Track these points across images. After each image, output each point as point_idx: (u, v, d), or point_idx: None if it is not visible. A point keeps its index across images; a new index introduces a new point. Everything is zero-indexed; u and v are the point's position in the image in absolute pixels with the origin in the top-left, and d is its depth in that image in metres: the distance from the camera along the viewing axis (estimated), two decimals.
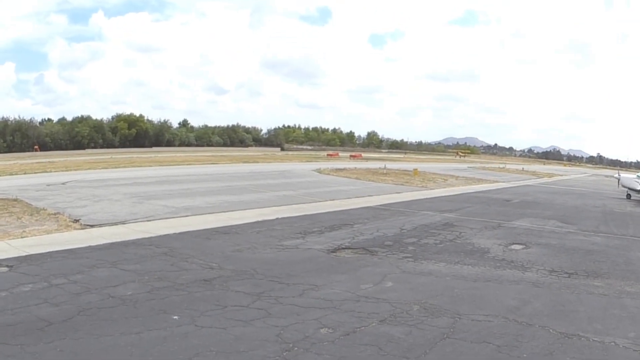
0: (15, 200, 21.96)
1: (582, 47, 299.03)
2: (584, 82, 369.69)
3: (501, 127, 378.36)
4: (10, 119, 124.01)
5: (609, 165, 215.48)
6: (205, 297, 9.59)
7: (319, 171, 50.05)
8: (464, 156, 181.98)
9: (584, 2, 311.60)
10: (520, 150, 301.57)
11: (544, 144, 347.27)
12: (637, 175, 44.00)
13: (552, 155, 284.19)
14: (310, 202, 25.31)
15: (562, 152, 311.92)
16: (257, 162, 67.71)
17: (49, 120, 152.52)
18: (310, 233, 16.94)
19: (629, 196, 41.58)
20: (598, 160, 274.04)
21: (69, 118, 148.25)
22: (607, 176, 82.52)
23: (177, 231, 16.28)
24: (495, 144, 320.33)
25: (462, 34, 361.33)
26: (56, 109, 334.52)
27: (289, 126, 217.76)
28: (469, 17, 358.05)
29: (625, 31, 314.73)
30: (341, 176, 45.27)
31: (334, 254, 14.12)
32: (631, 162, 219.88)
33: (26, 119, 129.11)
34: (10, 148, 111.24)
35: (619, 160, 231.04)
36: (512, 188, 46.58)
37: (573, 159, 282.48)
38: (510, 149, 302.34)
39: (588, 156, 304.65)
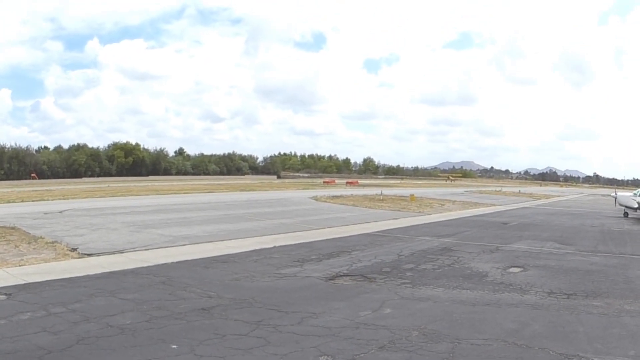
0: (12, 228, 22.00)
1: (578, 65, 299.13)
2: (579, 101, 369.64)
3: (497, 150, 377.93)
4: (7, 147, 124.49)
5: (606, 185, 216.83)
6: (204, 326, 9.57)
7: (316, 199, 50.02)
8: (455, 180, 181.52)
9: (579, 19, 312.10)
10: (517, 173, 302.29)
11: (540, 166, 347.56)
12: (634, 194, 44.21)
13: (548, 177, 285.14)
14: (307, 230, 25.33)
15: (559, 173, 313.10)
16: (254, 190, 67.74)
17: (46, 148, 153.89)
18: (308, 261, 16.93)
19: (626, 214, 41.76)
20: (595, 180, 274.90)
21: (66, 146, 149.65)
22: (604, 195, 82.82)
23: (175, 260, 16.29)
24: (492, 167, 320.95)
25: (456, 57, 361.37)
26: (52, 137, 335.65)
27: (285, 154, 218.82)
28: (464, 39, 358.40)
29: (621, 48, 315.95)
30: (338, 203, 45.25)
31: (332, 281, 14.10)
32: (628, 180, 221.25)
33: (23, 147, 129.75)
34: (8, 175, 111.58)
35: (616, 179, 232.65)
36: (509, 211, 46.66)
37: (570, 180, 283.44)
38: (507, 171, 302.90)
39: (585, 176, 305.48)
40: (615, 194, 47.93)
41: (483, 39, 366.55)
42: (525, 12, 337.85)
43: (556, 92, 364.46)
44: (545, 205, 59.92)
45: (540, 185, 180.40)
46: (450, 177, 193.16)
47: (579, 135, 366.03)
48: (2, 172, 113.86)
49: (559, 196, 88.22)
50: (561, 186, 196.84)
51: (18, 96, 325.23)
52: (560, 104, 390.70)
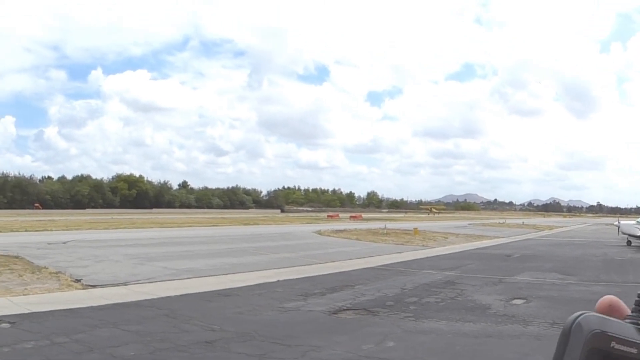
0: (16, 257, 22.13)
1: (581, 94, 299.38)
2: (582, 131, 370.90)
3: (500, 182, 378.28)
4: (10, 175, 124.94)
5: (609, 214, 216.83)
6: (206, 359, 9.58)
7: (320, 233, 50.00)
8: (438, 213, 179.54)
9: (580, 48, 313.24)
10: (520, 204, 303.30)
11: (543, 197, 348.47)
12: (637, 221, 44.10)
13: (552, 207, 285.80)
14: (311, 264, 25.28)
15: (562, 204, 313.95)
16: (258, 224, 67.68)
17: (49, 178, 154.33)
18: (312, 295, 16.90)
19: (629, 243, 41.62)
20: (598, 209, 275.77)
21: (69, 176, 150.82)
22: (607, 224, 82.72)
23: (179, 293, 16.29)
24: (495, 199, 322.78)
25: (459, 89, 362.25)
26: (56, 167, 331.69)
27: (288, 187, 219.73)
28: (466, 70, 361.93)
29: (623, 76, 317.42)
30: (341, 237, 45.18)
31: (336, 315, 14.08)
32: (631, 209, 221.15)
33: (26, 176, 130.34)
34: (10, 204, 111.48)
35: (619, 208, 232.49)
36: (513, 243, 46.54)
37: (573, 210, 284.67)
38: (510, 203, 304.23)
39: (588, 206, 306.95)
40: (618, 222, 47.96)
41: (485, 70, 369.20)
42: (526, 42, 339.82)
43: (558, 122, 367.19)
44: (548, 236, 59.97)
45: (544, 217, 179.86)
46: (433, 210, 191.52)
47: (581, 165, 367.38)
48: (5, 201, 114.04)
49: (562, 227, 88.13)
50: (565, 217, 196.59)
51: (21, 124, 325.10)
52: (563, 134, 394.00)
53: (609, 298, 1.08)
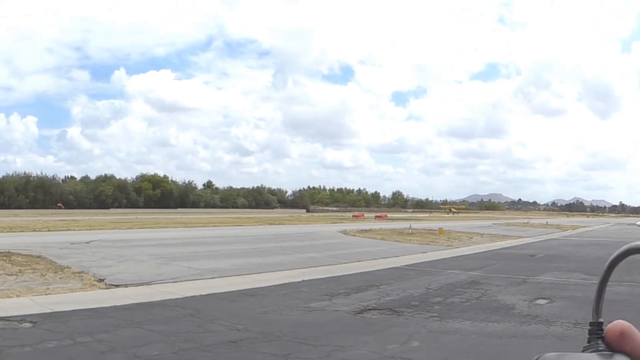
0: (39, 257, 22.14)
1: (603, 94, 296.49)
2: (605, 130, 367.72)
3: (524, 182, 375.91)
4: (33, 175, 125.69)
5: (632, 213, 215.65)
6: (232, 359, 9.49)
7: (345, 232, 49.83)
8: (457, 213, 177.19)
9: (602, 48, 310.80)
10: (544, 204, 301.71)
11: (567, 196, 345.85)
12: None
13: (575, 207, 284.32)
14: (336, 264, 25.15)
15: (585, 204, 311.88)
16: (283, 224, 67.65)
17: (72, 178, 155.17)
18: (337, 295, 16.75)
19: None
20: (620, 209, 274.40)
21: (92, 176, 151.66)
22: (629, 224, 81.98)
23: (203, 293, 16.24)
24: (519, 199, 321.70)
25: (483, 89, 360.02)
26: (79, 167, 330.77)
27: (314, 187, 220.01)
28: (490, 70, 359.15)
29: None
30: (367, 237, 44.95)
31: (361, 315, 13.93)
32: None
33: (48, 176, 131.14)
34: (33, 204, 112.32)
35: None
36: (536, 243, 46.11)
37: (596, 210, 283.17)
38: (534, 203, 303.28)
39: (611, 205, 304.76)
40: None
41: (509, 70, 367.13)
42: (549, 42, 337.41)
43: (582, 122, 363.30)
44: (571, 236, 59.49)
45: (567, 216, 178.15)
46: (452, 210, 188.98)
47: (604, 165, 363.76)
48: (27, 201, 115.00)
49: (585, 227, 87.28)
50: (588, 216, 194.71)
51: (44, 125, 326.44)
52: (586, 134, 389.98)
53: (620, 325, 0.97)
